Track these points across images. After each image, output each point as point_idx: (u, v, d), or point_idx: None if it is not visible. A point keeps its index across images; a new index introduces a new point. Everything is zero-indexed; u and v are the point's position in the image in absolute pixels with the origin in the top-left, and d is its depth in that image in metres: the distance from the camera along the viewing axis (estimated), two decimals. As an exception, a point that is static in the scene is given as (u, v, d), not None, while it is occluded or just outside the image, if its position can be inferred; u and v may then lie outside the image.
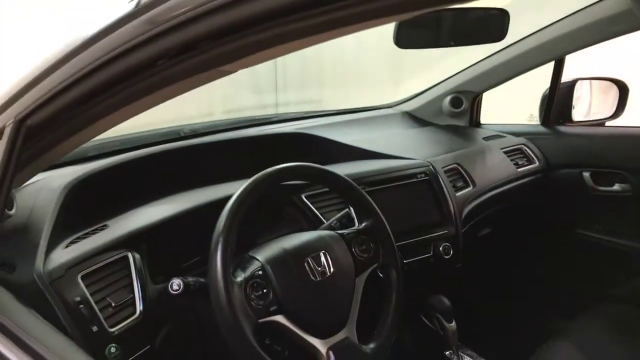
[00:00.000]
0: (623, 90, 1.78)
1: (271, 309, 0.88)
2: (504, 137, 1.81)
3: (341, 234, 1.03)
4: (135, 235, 0.98)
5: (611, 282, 1.64)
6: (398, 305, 1.03)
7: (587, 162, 1.70)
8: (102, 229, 1.00)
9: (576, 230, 1.72)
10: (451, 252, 1.32)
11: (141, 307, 0.92)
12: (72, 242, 0.95)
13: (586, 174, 1.69)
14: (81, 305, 0.85)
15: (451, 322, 1.27)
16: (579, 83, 1.82)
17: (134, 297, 0.92)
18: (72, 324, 0.82)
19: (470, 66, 1.84)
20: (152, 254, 1.00)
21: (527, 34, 1.68)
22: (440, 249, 1.31)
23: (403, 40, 1.17)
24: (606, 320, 1.44)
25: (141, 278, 0.94)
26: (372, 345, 0.97)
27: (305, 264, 0.94)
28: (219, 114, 2.16)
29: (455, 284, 1.45)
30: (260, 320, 0.86)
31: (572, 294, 1.65)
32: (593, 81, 1.85)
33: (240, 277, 0.88)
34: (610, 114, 1.80)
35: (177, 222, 1.06)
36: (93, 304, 0.86)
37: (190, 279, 0.91)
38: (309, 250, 0.96)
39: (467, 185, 1.50)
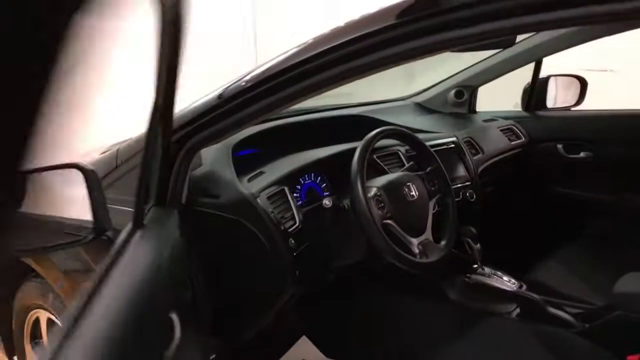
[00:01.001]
0: (583, 84, 2.37)
1: (387, 215, 1.39)
2: (497, 120, 2.37)
3: (417, 174, 1.55)
4: (286, 176, 1.46)
5: (580, 224, 2.22)
6: (454, 220, 1.56)
7: (560, 136, 2.28)
8: (262, 173, 1.47)
9: (554, 188, 2.30)
10: (474, 196, 1.86)
11: (299, 220, 1.40)
12: (250, 180, 1.42)
13: (559, 146, 2.27)
14: (272, 213, 1.32)
15: (477, 244, 1.79)
16: (551, 79, 2.40)
17: (293, 214, 1.40)
18: (271, 223, 1.30)
19: (470, 66, 2.39)
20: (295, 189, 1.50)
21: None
22: (467, 194, 1.85)
23: None
24: (582, 250, 2.01)
25: (295, 202, 1.43)
26: (443, 242, 1.50)
27: (404, 189, 1.45)
28: None
29: (477, 221, 1.98)
30: (383, 222, 1.37)
31: (556, 234, 2.21)
32: (561, 77, 2.43)
33: (369, 195, 1.38)
34: (574, 102, 2.39)
35: (314, 167, 1.54)
36: (277, 213, 1.34)
37: (333, 199, 1.41)
38: (403, 181, 1.48)
39: (478, 153, 2.04)
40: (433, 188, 1.57)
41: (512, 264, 1.83)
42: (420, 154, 1.64)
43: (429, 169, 1.60)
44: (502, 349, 1.46)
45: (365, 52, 0.82)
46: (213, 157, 1.43)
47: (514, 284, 1.69)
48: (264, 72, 1.00)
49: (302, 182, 1.59)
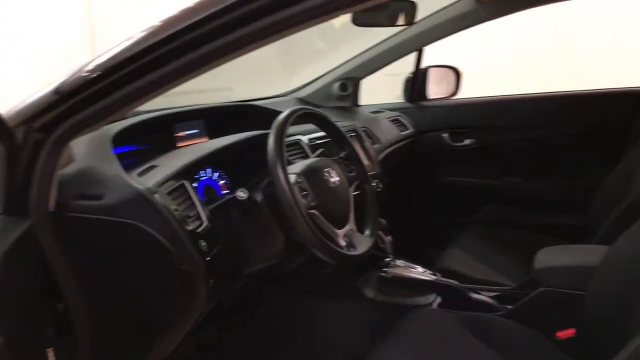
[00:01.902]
0: (458, 74, 2.42)
1: (311, 204, 1.21)
2: (383, 112, 2.32)
3: (333, 159, 1.40)
4: (185, 169, 1.22)
5: (471, 210, 2.25)
6: (374, 207, 1.43)
7: (444, 126, 2.30)
8: (154, 167, 1.21)
9: (443, 176, 2.31)
10: (381, 186, 1.76)
11: (205, 219, 1.16)
12: (141, 174, 1.16)
13: (445, 135, 2.28)
14: (177, 211, 1.08)
15: (388, 236, 1.69)
16: (429, 69, 2.42)
17: (198, 212, 1.17)
18: (176, 223, 1.05)
19: (353, 58, 2.32)
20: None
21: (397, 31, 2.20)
22: (374, 184, 1.74)
23: (360, 19, 1.58)
24: (478, 235, 2.02)
25: (198, 199, 1.19)
26: (367, 232, 1.36)
27: (324, 175, 1.29)
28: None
29: (383, 211, 1.89)
30: (309, 211, 1.19)
31: (451, 221, 2.21)
32: (438, 68, 2.46)
33: (291, 182, 1.19)
34: (451, 92, 2.43)
35: (210, 160, 1.32)
36: (181, 210, 1.10)
37: (247, 190, 1.20)
38: (323, 166, 1.32)
39: (375, 143, 1.96)
40: (350, 174, 1.42)
41: (418, 255, 1.77)
42: (334, 137, 1.49)
43: (343, 153, 1.46)
44: (428, 341, 1.36)
45: (226, 29, 0.79)
46: (87, 150, 1.15)
47: (430, 273, 1.62)
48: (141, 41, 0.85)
49: (198, 177, 1.36)
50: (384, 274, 1.59)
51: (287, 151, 1.56)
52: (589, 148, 2.12)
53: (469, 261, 1.80)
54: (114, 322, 1.10)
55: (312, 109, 1.40)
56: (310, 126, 1.72)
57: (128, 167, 1.20)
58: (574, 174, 2.13)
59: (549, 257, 1.46)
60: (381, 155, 1.93)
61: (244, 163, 1.51)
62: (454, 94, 2.42)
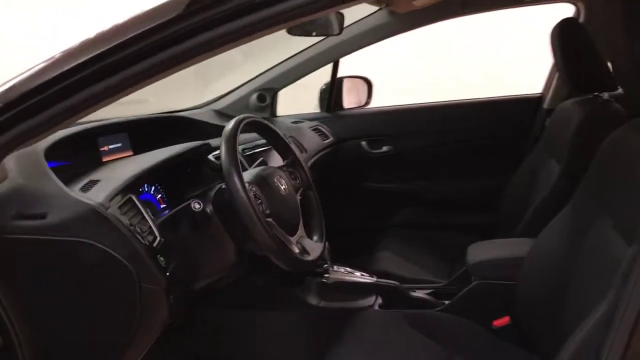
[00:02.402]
0: (369, 85, 2.51)
1: (267, 212, 1.20)
2: (302, 122, 2.35)
3: (279, 167, 1.39)
4: (130, 183, 1.15)
5: (393, 214, 2.34)
6: (320, 213, 1.45)
7: (362, 134, 2.37)
8: (96, 182, 1.13)
9: (364, 183, 2.38)
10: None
11: (157, 234, 1.11)
12: (84, 189, 1.08)
13: (363, 142, 2.36)
14: (132, 226, 1.02)
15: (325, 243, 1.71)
16: (343, 80, 2.48)
17: (150, 226, 1.11)
18: (133, 238, 0.99)
19: (270, 69, 2.32)
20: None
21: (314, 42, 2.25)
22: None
23: (294, 30, 1.58)
24: (402, 237, 2.10)
25: (148, 213, 1.13)
26: (315, 237, 1.37)
27: (275, 184, 1.28)
28: None
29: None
30: (266, 220, 1.17)
31: (376, 226, 2.28)
32: (351, 79, 2.53)
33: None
34: (364, 102, 2.52)
35: (148, 175, 1.26)
36: (135, 225, 1.04)
37: (200, 201, 1.16)
38: (272, 174, 1.31)
39: (303, 151, 1.97)
40: (295, 182, 1.43)
41: (349, 261, 1.81)
42: (277, 145, 1.49)
43: (287, 161, 1.46)
44: (376, 341, 1.39)
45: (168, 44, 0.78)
46: (18, 167, 1.06)
47: (367, 276, 1.66)
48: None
49: (141, 192, 1.30)
50: (325, 280, 1.60)
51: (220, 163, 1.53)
52: (496, 150, 2.29)
53: (400, 263, 1.87)
54: (68, 352, 1.01)
55: (257, 118, 1.39)
56: (241, 137, 1.70)
57: (65, 183, 1.12)
58: (484, 175, 2.29)
59: (480, 251, 1.56)
60: (308, 164, 1.95)
61: (179, 176, 1.46)
62: (367, 103, 2.50)
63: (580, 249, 1.18)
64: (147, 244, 1.04)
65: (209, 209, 1.24)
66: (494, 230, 2.12)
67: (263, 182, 1.27)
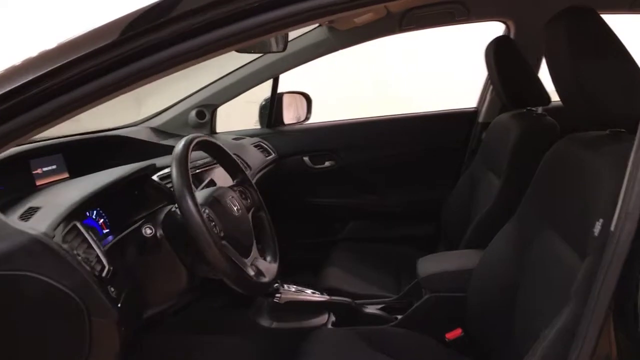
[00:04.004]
0: (309, 100, 2.52)
1: (221, 234, 1.16)
2: (244, 138, 2.31)
3: (229, 187, 1.36)
4: (75, 209, 1.08)
5: (337, 228, 2.34)
6: (273, 232, 1.42)
7: (305, 149, 2.36)
8: (37, 210, 1.05)
9: (307, 198, 2.36)
10: None
11: (106, 262, 1.04)
12: (24, 218, 0.99)
13: (305, 158, 2.35)
14: (79, 257, 0.95)
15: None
16: (283, 95, 2.47)
17: (98, 255, 1.04)
18: (82, 268, 0.93)
19: (210, 84, 2.28)
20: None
21: (254, 58, 2.22)
22: None
23: None
24: (348, 252, 2.11)
25: (95, 240, 1.07)
26: (269, 258, 1.35)
27: (227, 205, 1.24)
28: None
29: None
30: (222, 242, 1.13)
31: (321, 241, 2.27)
32: (290, 94, 2.53)
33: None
34: (303, 117, 2.52)
35: (91, 200, 1.18)
36: (82, 255, 0.97)
37: (152, 225, 1.10)
38: (223, 196, 1.27)
39: (247, 168, 1.94)
40: (246, 201, 1.40)
41: (298, 278, 1.79)
42: (226, 164, 1.45)
43: (237, 180, 1.42)
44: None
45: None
46: None
47: (318, 294, 1.65)
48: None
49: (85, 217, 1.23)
50: (276, 300, 1.57)
51: (169, 182, 1.48)
52: (435, 163, 2.35)
53: (349, 278, 1.87)
54: None
55: (206, 137, 1.35)
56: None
57: None
58: (425, 188, 2.34)
59: (430, 265, 1.58)
60: (253, 181, 1.91)
61: (122, 199, 1.39)
62: (307, 118, 2.50)
63: (528, 260, 1.22)
64: (96, 274, 0.97)
65: (158, 233, 1.18)
66: (436, 242, 2.17)
67: (216, 203, 1.23)
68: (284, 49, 1.66)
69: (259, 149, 2.24)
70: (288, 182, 2.37)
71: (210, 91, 2.26)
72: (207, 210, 1.18)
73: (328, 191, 2.39)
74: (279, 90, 2.40)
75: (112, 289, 0.99)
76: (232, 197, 1.31)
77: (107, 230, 1.35)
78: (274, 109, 2.40)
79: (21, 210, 1.05)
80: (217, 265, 1.09)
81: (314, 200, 2.39)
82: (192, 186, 1.12)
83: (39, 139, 1.58)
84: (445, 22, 2.11)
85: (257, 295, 1.28)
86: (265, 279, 1.23)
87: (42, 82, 0.75)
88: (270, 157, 2.25)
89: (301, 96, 2.51)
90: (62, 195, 1.17)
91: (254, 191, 1.45)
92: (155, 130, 2.24)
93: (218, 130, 2.38)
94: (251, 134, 2.36)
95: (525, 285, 1.22)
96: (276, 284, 1.65)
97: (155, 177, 1.46)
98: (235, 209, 1.28)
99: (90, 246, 1.04)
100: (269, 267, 1.30)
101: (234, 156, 1.83)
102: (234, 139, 2.25)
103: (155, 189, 1.44)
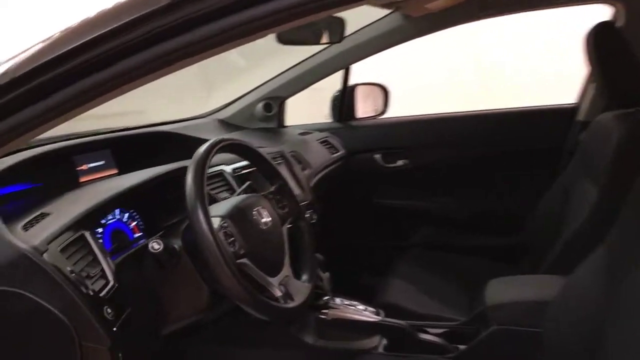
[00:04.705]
0: (385, 92, 2.33)
1: (240, 252, 1.03)
2: (311, 132, 2.17)
3: (263, 195, 1.22)
4: (84, 218, 1.00)
5: (407, 234, 2.14)
6: (311, 246, 1.27)
7: (376, 146, 2.18)
8: (45, 216, 0.99)
9: (377, 200, 2.19)
10: (315, 216, 1.60)
11: (111, 278, 0.96)
12: (27, 227, 0.93)
13: (377, 156, 2.17)
14: (73, 274, 0.87)
15: (325, 273, 1.53)
16: (357, 87, 2.30)
17: (103, 269, 0.96)
18: (71, 287, 0.84)
19: (277, 76, 2.16)
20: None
21: (324, 48, 2.07)
22: (308, 215, 1.58)
23: (284, 36, 1.41)
24: (417, 261, 1.91)
25: (104, 252, 0.98)
26: (304, 277, 1.20)
27: (254, 216, 1.11)
28: None
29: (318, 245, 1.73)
30: (238, 262, 1.01)
31: (388, 248, 2.09)
32: (365, 86, 2.35)
33: (215, 227, 1.00)
34: (380, 110, 2.33)
35: (119, 200, 1.11)
36: (78, 271, 0.88)
37: (163, 240, 1.00)
38: (251, 205, 1.14)
39: (306, 167, 1.80)
40: (282, 211, 1.25)
41: (358, 287, 1.63)
42: (262, 169, 1.32)
43: (274, 187, 1.28)
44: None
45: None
46: None
47: (372, 311, 1.47)
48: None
49: (105, 222, 1.15)
50: (323, 316, 1.43)
51: (209, 185, 1.37)
52: (523, 166, 2.07)
53: (412, 293, 1.68)
54: None
55: (236, 140, 1.22)
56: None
57: (12, 217, 0.98)
58: (509, 193, 2.08)
59: (499, 291, 1.36)
60: (313, 181, 1.77)
61: (159, 201, 1.31)
62: (383, 112, 2.32)
63: (624, 296, 0.97)
64: (91, 293, 0.88)
65: (177, 245, 1.07)
66: (519, 256, 1.91)
67: (239, 215, 1.10)
68: (340, 39, 1.50)
69: (325, 145, 2.09)
70: (356, 181, 2.21)
71: (277, 83, 2.15)
72: (225, 224, 1.05)
73: (399, 192, 2.19)
74: (352, 81, 2.24)
75: (109, 310, 0.89)
76: (263, 207, 1.17)
77: (139, 234, 1.28)
78: (345, 102, 2.24)
79: (31, 216, 0.98)
80: (228, 289, 0.97)
81: (383, 201, 2.20)
82: (206, 197, 0.99)
83: (86, 134, 1.54)
84: (536, 5, 1.82)
85: (281, 322, 1.14)
86: (292, 304, 1.08)
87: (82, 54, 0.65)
88: (337, 154, 2.10)
89: (377, 88, 2.33)
90: (79, 199, 1.10)
91: (293, 199, 1.30)
92: (223, 123, 2.17)
93: (287, 123, 2.27)
94: (320, 128, 2.23)
95: (618, 326, 0.98)
96: (326, 297, 1.51)
97: None
98: (263, 220, 1.14)
99: (95, 259, 0.96)
100: (300, 288, 1.15)
101: (283, 158, 1.71)
102: (300, 133, 2.13)
103: None
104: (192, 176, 1.01)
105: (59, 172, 1.35)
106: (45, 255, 0.85)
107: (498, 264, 1.86)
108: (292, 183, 1.62)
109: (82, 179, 1.43)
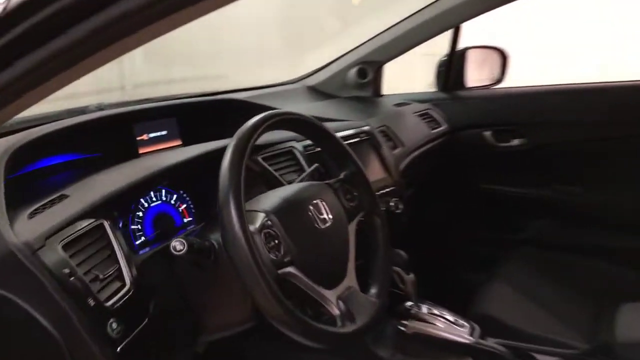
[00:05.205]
0: (504, 57, 1.96)
1: (285, 260, 0.81)
2: (410, 103, 1.89)
3: (327, 183, 0.99)
4: (105, 203, 0.84)
5: (518, 228, 1.81)
6: (387, 250, 1.02)
7: (487, 122, 1.85)
8: (62, 199, 0.84)
9: (483, 185, 1.86)
10: (400, 206, 1.34)
11: (130, 278, 0.79)
12: (34, 213, 0.79)
13: (487, 133, 1.84)
14: (72, 278, 0.71)
15: (409, 274, 1.28)
16: (468, 51, 1.96)
17: (120, 268, 0.79)
18: (66, 297, 0.68)
19: (374, 37, 1.89)
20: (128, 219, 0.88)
21: (426, 4, 1.76)
22: (392, 204, 1.33)
23: None
24: (527, 262, 1.58)
25: (123, 247, 0.81)
26: (373, 290, 0.95)
27: (309, 212, 0.88)
28: (129, 89, 1.93)
29: (404, 239, 1.48)
30: (280, 272, 0.79)
31: (492, 244, 1.78)
32: (476, 50, 2.00)
33: (253, 228, 0.79)
34: (495, 79, 1.97)
35: (163, 179, 0.94)
36: (82, 275, 0.72)
37: (191, 239, 0.80)
38: (307, 198, 0.91)
39: (397, 146, 1.53)
40: (352, 204, 1.01)
41: (449, 294, 1.36)
42: (330, 151, 1.08)
43: (344, 174, 1.04)
44: None
45: None
46: None
47: (465, 327, 1.20)
48: None
49: (146, 204, 0.99)
50: (403, 328, 1.19)
51: (275, 164, 1.17)
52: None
53: (518, 304, 1.38)
54: None
55: (295, 115, 0.98)
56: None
57: (27, 199, 0.84)
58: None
59: (636, 322, 1.02)
60: (404, 162, 1.51)
61: (212, 181, 1.12)
62: (499, 81, 1.96)
63: None
64: (92, 303, 0.71)
65: (216, 240, 0.88)
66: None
67: (290, 210, 0.88)
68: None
69: (425, 118, 1.80)
70: (459, 163, 1.90)
71: (374, 45, 1.89)
72: (270, 221, 0.83)
73: (512, 178, 1.85)
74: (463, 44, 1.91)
75: (115, 325, 0.72)
76: (322, 199, 0.93)
77: (189, 219, 1.11)
78: (454, 68, 1.92)
79: (46, 199, 0.84)
80: (262, 307, 0.75)
81: (491, 187, 1.87)
82: (242, 185, 0.78)
83: (151, 100, 1.40)
84: None
85: (332, 348, 0.91)
86: (352, 327, 0.85)
87: None
88: (438, 129, 1.80)
89: (493, 52, 1.97)
90: (108, 178, 0.94)
91: (368, 189, 1.04)
92: (311, 90, 1.97)
93: (384, 92, 2.00)
94: (421, 99, 1.93)
95: None
96: (409, 304, 1.27)
97: (259, 158, 1.16)
98: (322, 217, 0.91)
99: (112, 255, 0.79)
100: (365, 305, 0.91)
101: (377, 129, 1.46)
102: (396, 104, 1.85)
103: (256, 171, 1.15)
104: (229, 160, 0.80)
105: (118, 141, 1.23)
106: (40, 252, 0.70)
107: (630, 272, 1.50)
108: (373, 166, 1.37)
109: (142, 150, 1.29)
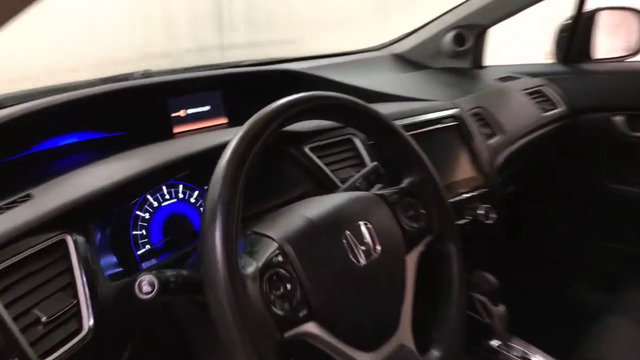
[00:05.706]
0: (644, 22, 1.55)
1: (300, 314, 0.55)
2: (519, 78, 1.54)
3: (380, 195, 0.70)
4: (74, 209, 0.63)
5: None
6: (462, 293, 0.72)
7: (619, 104, 1.46)
8: (23, 201, 0.65)
9: (611, 184, 1.48)
10: (493, 215, 1.03)
11: (91, 320, 0.58)
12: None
13: (618, 118, 1.45)
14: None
15: (498, 305, 0.99)
16: (598, 14, 1.57)
17: (78, 305, 0.58)
18: None
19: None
20: (102, 235, 0.67)
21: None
22: (481, 211, 1.02)
23: None
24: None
25: (88, 273, 0.60)
26: (435, 354, 0.67)
27: (344, 241, 0.61)
28: (177, 56, 1.75)
29: (495, 257, 1.17)
30: (287, 335, 0.54)
31: (612, 259, 1.42)
32: (610, 12, 1.60)
33: (251, 268, 0.55)
34: (634, 49, 1.56)
35: (136, 187, 0.72)
36: (9, 320, 0.52)
37: (168, 272, 0.56)
38: (344, 219, 0.63)
39: (496, 133, 1.21)
40: (415, 224, 0.71)
41: (552, 329, 1.07)
42: (387, 150, 0.78)
43: (407, 181, 0.75)
44: None
45: None
46: None
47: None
48: None
49: (155, 203, 0.79)
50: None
51: (328, 155, 0.91)
52: None
53: None
54: None
55: (334, 97, 0.69)
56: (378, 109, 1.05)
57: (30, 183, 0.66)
58: None
59: None
60: (502, 155, 1.18)
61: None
62: (638, 52, 1.55)
63: None
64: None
65: None
66: None
67: (314, 238, 0.60)
68: None
69: (536, 97, 1.45)
70: (580, 155, 1.53)
71: (474, 6, 1.57)
72: (281, 256, 0.57)
73: None
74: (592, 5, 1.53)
75: None
76: (367, 221, 0.65)
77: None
78: (578, 34, 1.54)
79: (14, 197, 0.65)
80: None
81: (620, 187, 1.49)
82: (239, 207, 0.53)
83: (191, 69, 1.19)
84: None
85: None
86: None
87: None
88: (553, 112, 1.45)
89: (632, 14, 1.57)
90: (101, 169, 0.74)
91: (440, 202, 0.74)
92: (401, 58, 1.69)
93: (487, 62, 1.67)
94: (533, 72, 1.58)
95: None
96: (497, 343, 0.98)
97: (306, 149, 0.90)
98: (362, 249, 0.62)
99: (72, 284, 0.58)
100: None
101: (469, 113, 1.16)
102: (500, 78, 1.51)
103: (304, 166, 0.90)
104: (225, 163, 0.55)
105: (148, 118, 1.03)
106: None
107: None
108: (458, 162, 1.07)
109: (177, 129, 1.09)
